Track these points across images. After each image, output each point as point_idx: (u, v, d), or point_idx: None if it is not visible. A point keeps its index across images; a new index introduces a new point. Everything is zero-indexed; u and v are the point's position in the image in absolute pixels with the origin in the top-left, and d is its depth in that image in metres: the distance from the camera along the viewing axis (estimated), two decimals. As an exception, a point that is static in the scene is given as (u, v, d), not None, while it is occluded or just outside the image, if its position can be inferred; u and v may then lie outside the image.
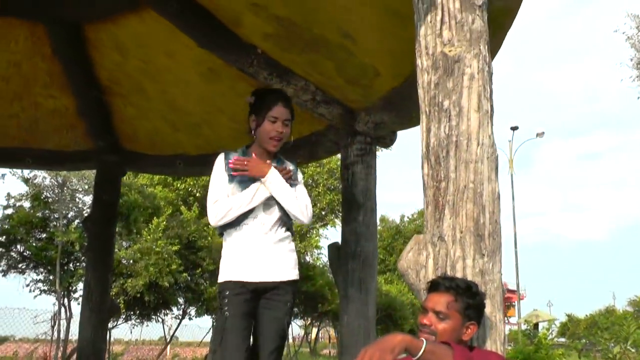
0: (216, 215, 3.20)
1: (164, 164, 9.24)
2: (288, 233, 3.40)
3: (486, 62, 2.98)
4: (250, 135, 3.44)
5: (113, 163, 9.03)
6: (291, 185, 3.36)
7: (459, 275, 2.71)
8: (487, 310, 2.69)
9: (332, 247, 7.28)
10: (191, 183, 18.54)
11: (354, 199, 7.02)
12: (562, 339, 44.56)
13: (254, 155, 3.39)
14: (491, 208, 2.80)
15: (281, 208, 3.30)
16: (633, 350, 6.28)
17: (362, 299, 6.85)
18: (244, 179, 3.30)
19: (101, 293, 8.60)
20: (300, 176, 3.59)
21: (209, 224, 15.80)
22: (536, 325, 45.55)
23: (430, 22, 3.04)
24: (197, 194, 18.35)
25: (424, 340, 2.09)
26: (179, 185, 18.55)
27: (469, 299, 2.48)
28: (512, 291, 62.23)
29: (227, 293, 3.16)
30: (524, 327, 47.74)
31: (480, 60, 2.94)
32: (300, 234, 20.90)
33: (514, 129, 35.95)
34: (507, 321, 73.18)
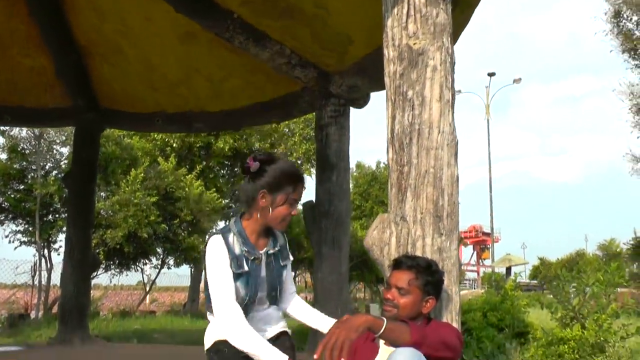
0: (231, 333, 2.65)
1: (142, 122, 9.39)
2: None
3: (449, 54, 3.20)
4: (250, 210, 2.83)
5: (91, 121, 9.15)
6: (285, 266, 3.01)
7: (418, 252, 3.00)
8: (444, 284, 2.99)
9: (307, 206, 7.57)
10: (168, 133, 18.56)
11: (327, 160, 7.28)
12: (535, 281, 45.91)
13: (251, 237, 2.84)
14: (450, 190, 3.07)
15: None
16: (592, 303, 6.68)
17: (335, 255, 7.20)
18: (252, 282, 2.81)
19: (82, 249, 8.84)
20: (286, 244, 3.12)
21: (186, 174, 15.93)
22: (509, 269, 46.82)
23: (397, 14, 3.24)
24: (174, 145, 18.43)
25: (385, 320, 2.35)
26: (155, 135, 18.57)
27: (428, 276, 2.74)
28: (487, 234, 63.56)
29: (226, 351, 2.79)
30: (497, 270, 49.00)
31: (442, 53, 3.17)
32: (277, 183, 21.13)
33: (491, 75, 36.24)
34: (481, 263, 74.89)
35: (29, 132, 14.76)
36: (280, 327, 2.94)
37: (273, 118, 9.27)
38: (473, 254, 78.52)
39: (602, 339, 6.03)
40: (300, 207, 7.62)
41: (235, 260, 2.74)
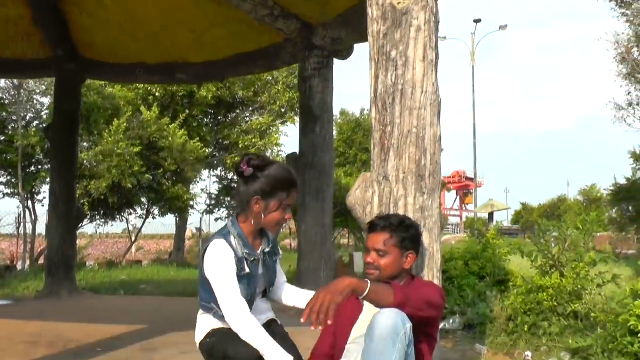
0: (242, 329, 2.69)
1: (123, 72, 9.28)
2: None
3: (433, 13, 3.18)
4: (245, 213, 2.86)
5: (72, 71, 9.02)
6: (277, 260, 3.08)
7: (401, 211, 3.05)
8: (426, 242, 3.06)
9: (290, 158, 7.61)
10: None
11: (311, 112, 7.28)
12: (517, 226, 46.58)
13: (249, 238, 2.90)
14: (432, 150, 3.10)
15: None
16: (572, 253, 6.82)
17: (319, 207, 7.27)
18: (252, 282, 2.87)
19: (67, 201, 8.83)
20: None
21: (169, 124, 15.81)
22: (491, 215, 47.45)
23: (380, -28, 3.21)
24: (157, 94, 18.23)
25: (368, 282, 2.41)
26: (138, 85, 18.32)
27: (403, 233, 2.78)
28: (470, 179, 64.12)
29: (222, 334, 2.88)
30: (480, 215, 49.63)
31: (427, 12, 3.15)
32: (261, 132, 21.12)
33: (477, 21, 35.98)
34: (464, 208, 75.69)
35: (7, 82, 14.50)
36: (268, 316, 3.02)
37: (256, 69, 9.20)
38: (456, 199, 79.31)
39: (579, 286, 6.19)
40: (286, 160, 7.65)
41: (239, 263, 2.79)
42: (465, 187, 74.52)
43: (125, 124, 15.31)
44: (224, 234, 2.84)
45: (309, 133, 7.32)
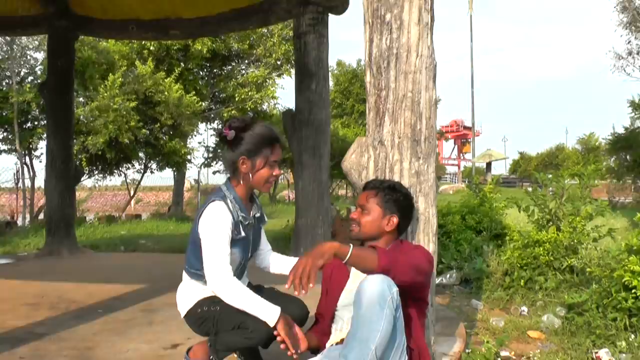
0: (225, 292, 2.73)
1: (116, 29, 9.14)
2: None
3: (427, -27, 3.12)
4: (235, 176, 2.91)
5: (64, 28, 8.88)
6: (261, 228, 3.13)
7: (396, 176, 3.05)
8: (421, 206, 3.06)
9: (287, 115, 7.56)
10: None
11: (306, 69, 7.21)
12: (514, 175, 46.69)
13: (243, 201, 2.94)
14: (428, 114, 3.08)
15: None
16: (569, 207, 6.81)
17: (316, 164, 7.26)
18: (246, 246, 2.95)
19: (64, 159, 8.81)
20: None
21: (164, 78, 15.67)
22: (489, 164, 47.57)
23: None
24: (152, 47, 18.02)
25: (351, 246, 2.42)
26: (132, 38, 18.13)
27: (388, 194, 2.81)
28: (468, 128, 63.96)
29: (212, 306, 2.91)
30: (478, 164, 49.72)
31: (421, -27, 3.09)
32: (257, 84, 20.97)
33: (474, -32, 35.40)
34: (462, 157, 75.70)
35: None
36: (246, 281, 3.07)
37: (250, 25, 9.05)
38: (454, 148, 79.34)
39: (575, 241, 6.23)
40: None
41: (235, 226, 2.83)
42: (463, 135, 74.46)
43: (120, 79, 15.18)
44: (220, 195, 2.87)
45: (305, 90, 7.25)
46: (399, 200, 2.82)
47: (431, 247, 3.10)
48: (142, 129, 15.58)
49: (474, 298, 6.24)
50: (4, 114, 14.36)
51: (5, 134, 15.16)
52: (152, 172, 18.50)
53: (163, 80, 16.68)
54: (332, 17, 7.41)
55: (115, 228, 14.33)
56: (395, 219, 2.79)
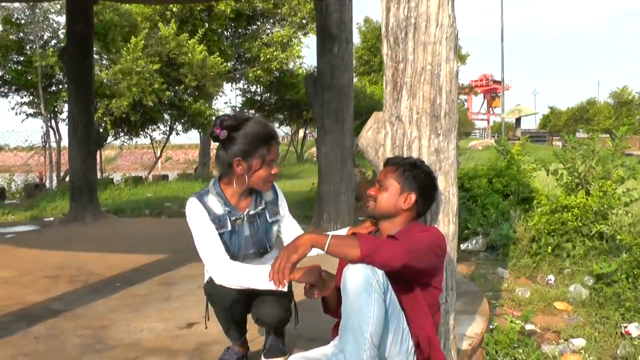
0: (225, 279, 2.71)
1: (133, -8, 8.97)
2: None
3: None
4: (229, 176, 2.80)
5: (82, -8, 8.74)
6: (276, 222, 3.00)
7: (414, 154, 2.88)
8: (441, 185, 2.91)
9: (309, 78, 7.39)
10: (165, -1, 17.89)
11: (328, 31, 6.99)
12: (544, 130, 45.86)
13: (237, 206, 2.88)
14: (448, 88, 2.90)
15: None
16: (598, 168, 6.59)
17: (338, 129, 7.10)
18: (235, 240, 2.85)
19: (85, 125, 8.77)
20: (284, 204, 3.07)
21: (188, 39, 15.52)
22: (518, 120, 46.75)
23: None
24: (174, 8, 17.81)
25: (329, 235, 2.29)
26: None
27: (408, 170, 2.66)
28: (498, 82, 62.88)
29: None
30: (507, 119, 48.94)
31: None
32: (282, 44, 20.68)
33: None
34: (492, 112, 74.64)
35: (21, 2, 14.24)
36: None
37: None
38: (483, 102, 78.23)
39: (605, 205, 6.02)
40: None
41: (217, 220, 2.78)
42: (492, 90, 73.26)
43: (143, 41, 15.04)
44: (200, 192, 2.85)
45: (327, 53, 7.04)
46: (419, 177, 2.66)
47: (451, 228, 2.95)
48: (166, 91, 15.48)
49: (500, 265, 6.12)
50: (28, 77, 14.37)
51: (31, 97, 15.21)
52: (177, 133, 18.50)
53: (186, 41, 16.51)
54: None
55: (141, 190, 14.36)
56: (413, 197, 2.64)
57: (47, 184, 15.76)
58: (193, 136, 22.26)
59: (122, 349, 3.43)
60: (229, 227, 2.80)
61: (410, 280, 2.48)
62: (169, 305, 4.33)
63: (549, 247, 5.93)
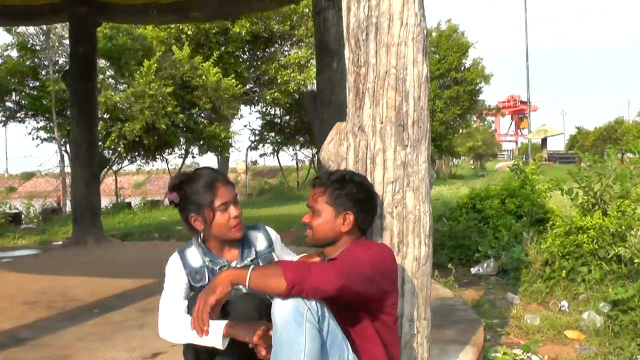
0: (166, 333, 2.50)
1: (136, 13, 8.92)
2: None
3: None
4: (197, 235, 2.65)
5: (84, 14, 8.71)
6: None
7: (379, 168, 2.58)
8: (410, 203, 2.59)
9: (309, 96, 7.14)
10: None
11: (326, 46, 6.74)
12: (572, 151, 44.97)
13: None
14: (416, 93, 2.60)
15: None
16: (617, 188, 6.20)
17: (340, 148, 6.81)
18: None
19: (88, 147, 8.65)
20: (280, 246, 2.83)
21: (202, 62, 15.47)
22: (545, 140, 45.96)
23: None
24: (189, 32, 17.80)
25: (249, 269, 2.03)
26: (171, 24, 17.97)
27: (338, 189, 2.35)
28: (525, 103, 62.14)
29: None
30: (533, 141, 48.18)
31: None
32: (299, 65, 20.51)
33: None
34: (520, 133, 73.76)
35: (36, 28, 14.37)
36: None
37: (270, 4, 8.64)
38: (511, 124, 77.44)
39: (623, 227, 5.62)
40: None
41: (193, 273, 2.59)
42: (520, 111, 72.51)
43: (156, 65, 14.97)
44: (184, 247, 2.66)
45: (325, 69, 6.78)
46: (351, 193, 2.35)
47: (423, 250, 2.63)
48: (180, 113, 15.36)
49: (510, 290, 5.75)
50: (43, 102, 14.41)
51: (44, 122, 15.25)
52: (193, 157, 18.40)
53: (201, 64, 16.42)
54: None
55: (155, 214, 14.19)
56: (351, 217, 2.34)
57: (63, 209, 15.74)
58: (211, 159, 22.18)
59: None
60: (207, 280, 2.55)
61: (356, 307, 2.18)
62: (141, 333, 4.10)
63: (563, 271, 5.57)
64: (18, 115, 15.23)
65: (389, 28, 2.56)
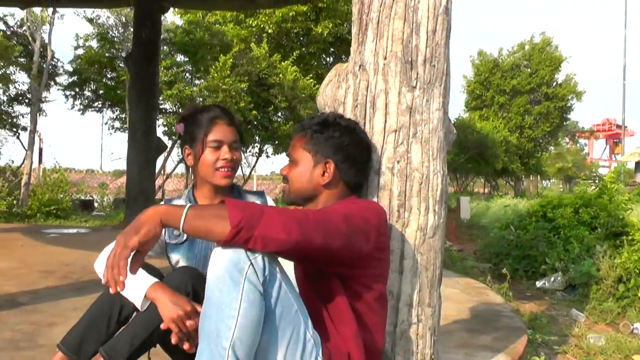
0: (97, 267, 2.22)
1: (202, -1, 8.75)
2: None
3: None
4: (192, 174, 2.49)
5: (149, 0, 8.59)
6: None
7: (379, 113, 2.10)
8: (416, 158, 2.10)
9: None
10: (263, 19, 17.77)
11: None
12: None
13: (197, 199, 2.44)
14: (431, 26, 2.10)
15: None
16: None
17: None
18: (200, 250, 2.35)
19: (145, 132, 8.53)
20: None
21: (280, 60, 15.26)
22: (638, 164, 43.35)
23: None
24: (270, 30, 17.66)
25: (186, 207, 1.54)
26: (251, 22, 17.89)
27: (317, 132, 1.92)
28: (620, 127, 59.10)
29: None
30: (627, 165, 45.59)
31: None
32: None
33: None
34: (614, 158, 70.34)
35: (115, 19, 14.58)
36: None
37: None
38: (605, 148, 74.00)
39: None
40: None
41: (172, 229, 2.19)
42: (615, 135, 69.09)
43: (232, 60, 14.83)
44: (171, 198, 2.48)
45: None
46: (332, 137, 1.90)
47: (430, 218, 2.12)
48: (253, 110, 15.14)
49: (576, 307, 5.10)
50: (119, 93, 14.57)
51: (120, 112, 15.45)
52: (267, 156, 18.14)
53: (279, 62, 16.20)
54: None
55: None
56: (331, 166, 1.89)
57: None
58: (285, 160, 21.96)
59: (44, 349, 2.94)
60: (184, 237, 2.27)
61: (326, 273, 1.71)
62: (141, 310, 3.80)
63: (639, 291, 4.88)
64: (95, 104, 15.46)
65: (400, -58, 2.09)
